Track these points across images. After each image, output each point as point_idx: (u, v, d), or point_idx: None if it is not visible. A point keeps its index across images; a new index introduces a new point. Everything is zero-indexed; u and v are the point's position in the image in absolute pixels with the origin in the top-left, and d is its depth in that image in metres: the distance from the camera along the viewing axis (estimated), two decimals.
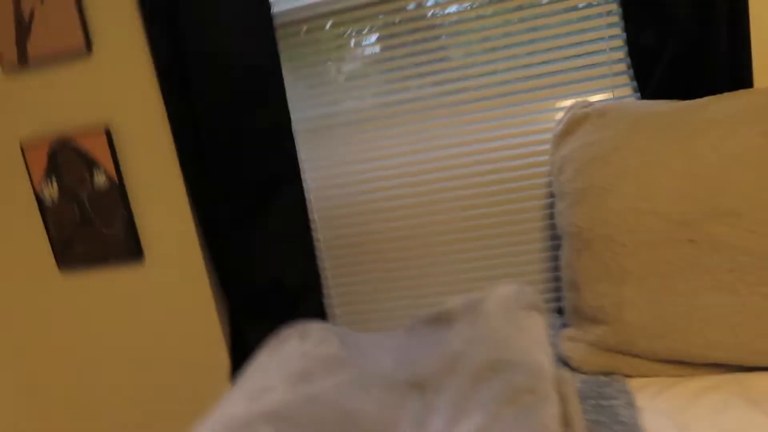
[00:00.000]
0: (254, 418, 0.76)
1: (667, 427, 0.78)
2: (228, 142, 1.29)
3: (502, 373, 0.70)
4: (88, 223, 1.45)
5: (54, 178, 1.46)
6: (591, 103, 1.12)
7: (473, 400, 0.68)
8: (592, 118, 1.08)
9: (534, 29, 1.26)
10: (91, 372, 1.52)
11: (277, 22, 1.35)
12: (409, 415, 0.71)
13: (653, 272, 0.89)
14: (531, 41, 1.27)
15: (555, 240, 1.32)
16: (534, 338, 0.77)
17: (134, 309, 1.47)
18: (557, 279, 1.33)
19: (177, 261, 1.42)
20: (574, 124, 1.11)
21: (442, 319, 0.89)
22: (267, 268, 1.29)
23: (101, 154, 1.41)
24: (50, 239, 1.49)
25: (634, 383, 0.89)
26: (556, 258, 1.33)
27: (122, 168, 1.41)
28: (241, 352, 1.35)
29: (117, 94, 1.37)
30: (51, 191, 1.47)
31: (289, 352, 0.92)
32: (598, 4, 1.23)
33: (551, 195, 1.31)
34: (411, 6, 1.31)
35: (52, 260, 1.50)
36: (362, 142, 1.38)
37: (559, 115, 1.28)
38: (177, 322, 1.45)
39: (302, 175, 1.35)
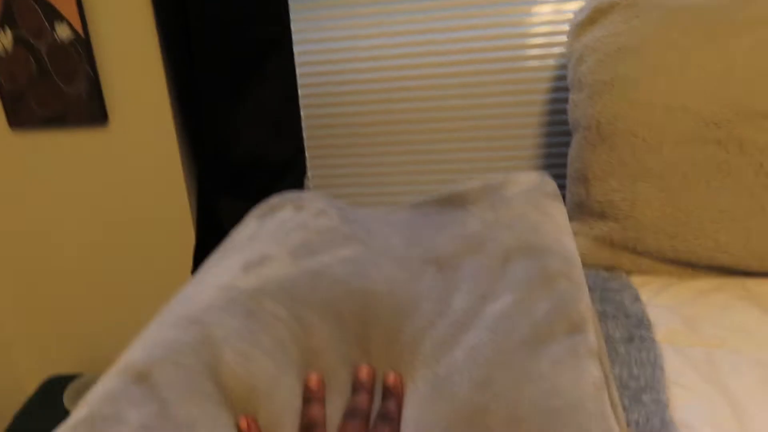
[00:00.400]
0: (259, 292, 0.70)
1: (674, 321, 0.78)
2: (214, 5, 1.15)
3: (533, 257, 0.66)
4: (46, 78, 1.30)
5: (7, 27, 1.28)
6: None
7: (503, 280, 0.64)
8: (620, 7, 1.01)
9: None
10: (47, 239, 1.42)
11: None
12: (428, 293, 0.67)
13: (674, 171, 0.86)
14: None
15: (554, 132, 1.28)
16: (561, 226, 0.72)
17: (95, 175, 1.35)
18: (553, 173, 1.30)
19: (145, 127, 1.30)
20: (598, 12, 1.03)
21: (454, 201, 0.84)
22: (248, 141, 1.19)
23: (65, 4, 1.24)
24: (0, 94, 1.33)
25: (635, 280, 0.88)
26: (553, 151, 1.29)
27: (89, 22, 1.25)
28: (210, 227, 1.26)
29: None
30: (4, 40, 1.29)
31: (285, 222, 0.86)
32: None
33: (558, 86, 1.25)
34: None
35: (3, 117, 1.35)
36: (358, 18, 1.27)
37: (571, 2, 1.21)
38: (142, 191, 1.34)
39: (293, 47, 1.23)
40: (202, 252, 1.27)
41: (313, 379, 0.57)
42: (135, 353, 0.64)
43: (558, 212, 0.75)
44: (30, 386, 1.50)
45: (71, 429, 0.55)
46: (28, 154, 1.36)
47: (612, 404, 0.51)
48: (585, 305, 0.58)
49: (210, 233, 1.25)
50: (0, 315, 1.47)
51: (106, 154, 1.33)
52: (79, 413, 0.57)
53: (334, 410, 0.56)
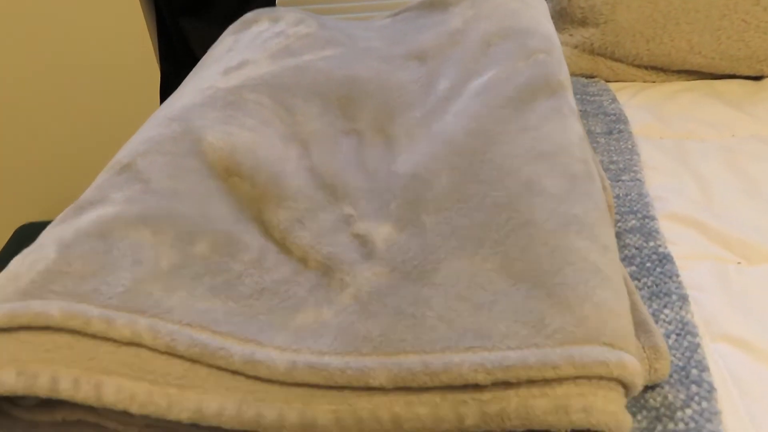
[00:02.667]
0: (239, 88, 0.68)
1: (647, 118, 0.81)
2: None
3: (513, 38, 0.66)
4: None
5: None
6: None
7: (485, 60, 0.65)
8: None
9: None
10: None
11: None
12: (413, 79, 0.67)
13: None
14: None
15: None
16: (541, 13, 0.72)
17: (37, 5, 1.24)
18: None
19: None
20: None
21: (435, 5, 0.82)
22: None
23: None
24: None
25: (612, 86, 0.90)
26: None
27: None
28: (175, 55, 1.20)
29: None
30: None
31: (262, 32, 0.82)
32: None
33: None
34: None
35: None
36: None
37: None
38: (93, 19, 1.24)
39: None
40: (168, 82, 1.22)
41: None
42: (119, 153, 0.64)
43: (539, 3, 0.74)
44: (1, 237, 1.49)
45: (61, 215, 0.56)
46: None
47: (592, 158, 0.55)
48: (564, 75, 0.60)
49: (176, 61, 1.19)
50: None
51: None
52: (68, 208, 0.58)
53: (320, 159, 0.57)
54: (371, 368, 0.38)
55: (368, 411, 0.37)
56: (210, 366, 0.40)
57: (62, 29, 1.26)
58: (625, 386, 0.38)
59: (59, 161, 1.42)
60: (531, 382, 0.36)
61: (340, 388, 0.38)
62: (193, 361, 0.40)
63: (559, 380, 0.36)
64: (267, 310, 0.44)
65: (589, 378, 0.36)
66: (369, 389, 0.38)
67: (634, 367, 0.37)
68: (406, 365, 0.38)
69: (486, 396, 0.37)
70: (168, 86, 1.23)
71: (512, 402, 0.36)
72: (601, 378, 0.36)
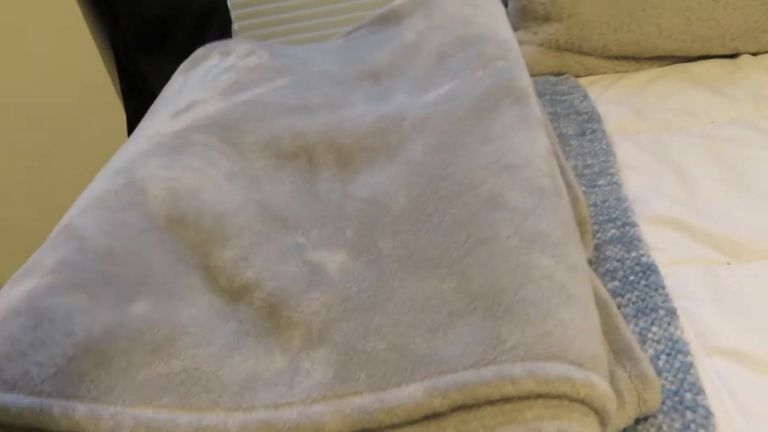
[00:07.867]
0: (186, 130, 0.65)
1: (622, 112, 0.77)
2: None
3: (469, 47, 0.63)
4: None
5: None
6: None
7: (440, 74, 0.62)
8: None
9: None
10: None
11: None
12: (366, 98, 0.64)
13: None
14: None
15: None
16: (496, 17, 0.69)
17: None
18: None
19: None
20: None
21: (388, 19, 0.78)
22: None
23: None
24: None
25: (583, 81, 0.87)
26: None
27: None
28: (137, 93, 1.17)
29: None
30: None
31: (211, 68, 0.79)
32: None
33: None
34: None
35: None
36: None
37: None
38: (51, 68, 1.22)
39: None
40: (135, 121, 1.19)
41: None
42: (65, 215, 0.61)
43: (492, 5, 0.71)
44: None
45: (3, 288, 0.52)
46: None
47: (561, 169, 0.52)
48: (525, 81, 0.56)
49: (140, 99, 1.16)
50: None
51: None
52: None
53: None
54: (323, 413, 0.36)
55: None
56: None
57: (22, 79, 1.23)
58: (597, 412, 0.35)
59: (22, 214, 1.39)
60: (493, 405, 0.34)
61: None
62: None
63: (524, 401, 0.33)
64: (213, 366, 0.41)
65: (559, 398, 0.33)
66: None
67: (604, 390, 0.34)
68: (360, 405, 0.35)
69: (448, 428, 0.34)
70: (134, 125, 1.21)
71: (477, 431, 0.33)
72: (569, 399, 0.33)
